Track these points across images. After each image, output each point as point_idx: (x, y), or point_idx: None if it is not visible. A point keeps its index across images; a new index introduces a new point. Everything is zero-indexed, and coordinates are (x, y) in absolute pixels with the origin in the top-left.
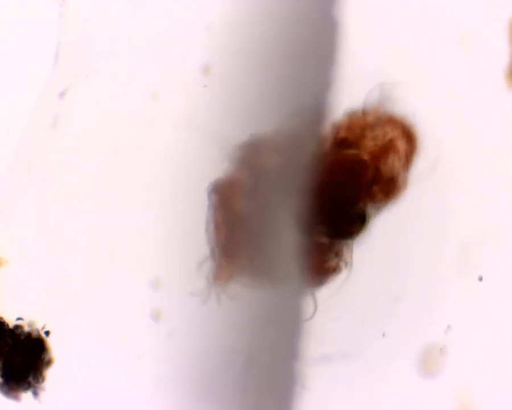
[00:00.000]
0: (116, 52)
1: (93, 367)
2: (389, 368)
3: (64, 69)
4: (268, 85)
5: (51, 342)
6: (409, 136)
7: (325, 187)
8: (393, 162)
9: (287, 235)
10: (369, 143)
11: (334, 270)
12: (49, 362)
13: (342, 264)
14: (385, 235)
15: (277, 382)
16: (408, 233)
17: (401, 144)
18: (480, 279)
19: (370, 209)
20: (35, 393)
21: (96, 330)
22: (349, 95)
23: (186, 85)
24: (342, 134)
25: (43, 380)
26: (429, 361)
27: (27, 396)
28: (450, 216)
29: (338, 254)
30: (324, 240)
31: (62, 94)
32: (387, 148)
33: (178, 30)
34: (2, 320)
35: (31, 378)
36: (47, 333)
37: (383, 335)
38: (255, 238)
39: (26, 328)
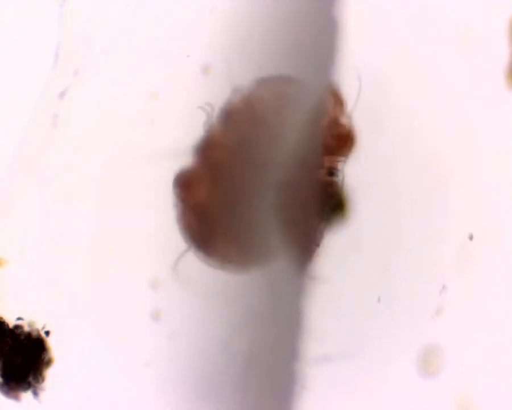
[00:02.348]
0: (116, 52)
1: (93, 366)
2: (389, 368)
3: (63, 69)
4: None
5: (51, 342)
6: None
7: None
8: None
9: (268, 212)
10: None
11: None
12: (49, 362)
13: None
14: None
15: (277, 382)
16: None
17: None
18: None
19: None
20: (35, 393)
21: (96, 330)
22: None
23: (186, 84)
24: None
25: (43, 380)
26: (429, 361)
27: (27, 396)
28: (450, 215)
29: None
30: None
31: (62, 94)
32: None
33: (178, 30)
34: (2, 320)
35: (31, 378)
36: (47, 333)
37: (379, 300)
38: (234, 220)
39: (26, 328)
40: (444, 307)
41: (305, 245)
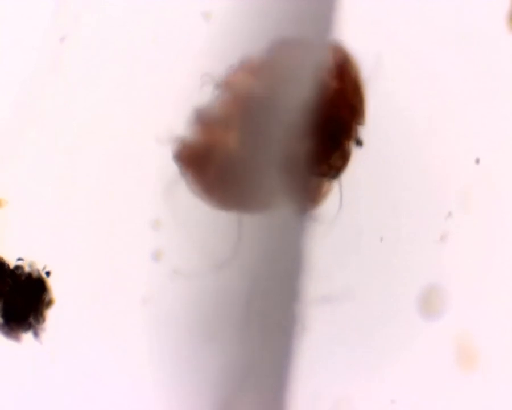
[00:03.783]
0: None
1: (94, 307)
2: (390, 307)
3: (64, 14)
4: None
5: (52, 282)
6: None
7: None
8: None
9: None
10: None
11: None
12: (49, 302)
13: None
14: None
15: (278, 323)
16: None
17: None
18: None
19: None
20: (36, 334)
21: (97, 270)
22: None
23: (186, 29)
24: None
25: (44, 320)
26: (430, 302)
27: (27, 336)
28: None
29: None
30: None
31: (62, 39)
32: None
33: None
34: (2, 261)
35: (31, 319)
36: (48, 273)
37: (381, 240)
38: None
39: (26, 269)
40: (448, 234)
41: (308, 191)
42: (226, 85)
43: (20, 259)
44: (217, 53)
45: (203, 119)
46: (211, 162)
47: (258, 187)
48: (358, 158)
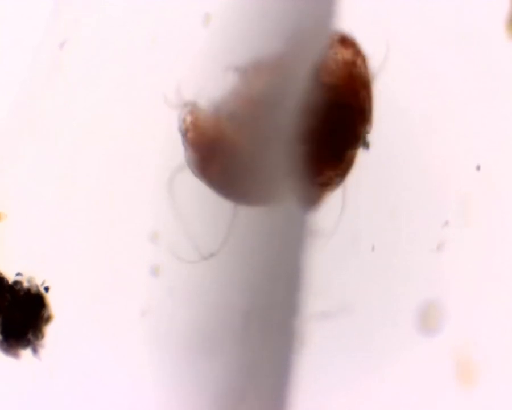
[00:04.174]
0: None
1: (93, 323)
2: (388, 322)
3: (63, 18)
4: None
5: (50, 298)
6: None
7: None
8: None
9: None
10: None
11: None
12: (48, 318)
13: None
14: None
15: (276, 338)
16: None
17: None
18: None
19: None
20: (34, 350)
21: (96, 286)
22: None
23: (184, 31)
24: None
25: (42, 336)
26: (428, 317)
27: (26, 353)
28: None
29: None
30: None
31: (62, 44)
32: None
33: None
34: (1, 276)
35: (30, 335)
36: (46, 289)
37: (372, 249)
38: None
39: (25, 284)
40: (445, 244)
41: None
42: (235, 85)
43: (18, 274)
44: (217, 54)
45: (213, 112)
46: (217, 152)
47: (261, 182)
48: (355, 165)
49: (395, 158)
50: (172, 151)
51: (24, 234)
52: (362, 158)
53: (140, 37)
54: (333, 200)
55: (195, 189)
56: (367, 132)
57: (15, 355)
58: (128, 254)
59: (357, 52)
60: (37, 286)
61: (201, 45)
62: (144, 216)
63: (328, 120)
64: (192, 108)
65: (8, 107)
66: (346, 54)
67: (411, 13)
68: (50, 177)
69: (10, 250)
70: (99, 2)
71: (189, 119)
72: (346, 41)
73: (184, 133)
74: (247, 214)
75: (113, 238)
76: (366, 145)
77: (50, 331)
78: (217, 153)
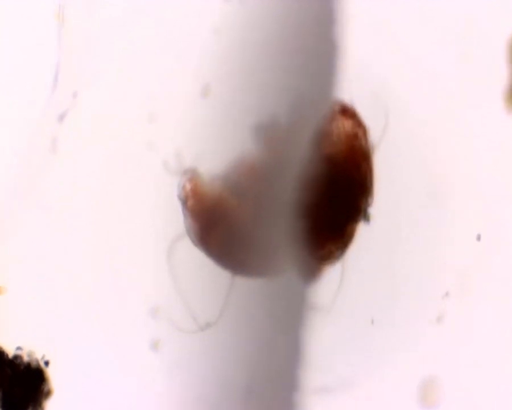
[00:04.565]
0: (115, 73)
1: (93, 398)
2: (388, 398)
3: (63, 91)
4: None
5: (50, 372)
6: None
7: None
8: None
9: (281, 227)
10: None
11: (330, 260)
12: (48, 393)
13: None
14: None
15: None
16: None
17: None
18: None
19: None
20: None
21: (96, 361)
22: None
23: (184, 105)
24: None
25: None
26: (428, 392)
27: None
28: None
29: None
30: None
31: (61, 117)
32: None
33: (178, 51)
34: (2, 350)
35: None
36: (46, 363)
37: (372, 323)
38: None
39: (25, 358)
40: (445, 316)
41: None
42: (235, 154)
43: (19, 348)
44: (217, 123)
45: (213, 180)
46: (217, 221)
47: (260, 253)
48: (355, 237)
49: (394, 229)
50: (172, 219)
51: (24, 308)
52: (361, 229)
53: (140, 105)
54: (332, 273)
55: (194, 258)
56: (369, 205)
57: None
58: (127, 328)
59: (358, 123)
60: (37, 360)
61: (201, 114)
62: (143, 289)
63: (329, 193)
64: (192, 175)
65: (7, 180)
66: (347, 125)
67: (409, 84)
68: (50, 251)
69: (10, 324)
70: (99, 75)
71: (188, 186)
72: (347, 112)
73: (184, 201)
74: (246, 285)
75: (112, 311)
76: (367, 218)
77: (50, 405)
78: (217, 222)
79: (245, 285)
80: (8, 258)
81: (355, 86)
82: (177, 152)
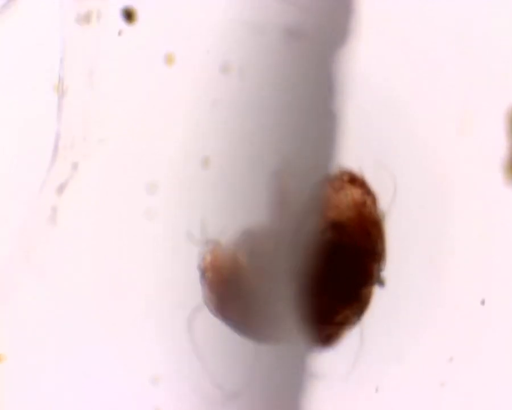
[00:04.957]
0: (115, 145)
1: None
2: None
3: (62, 162)
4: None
5: None
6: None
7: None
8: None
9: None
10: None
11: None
12: None
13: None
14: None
15: None
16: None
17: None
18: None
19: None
20: None
21: None
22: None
23: (184, 176)
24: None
25: None
26: None
27: None
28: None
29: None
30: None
31: (61, 188)
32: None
33: (177, 123)
34: None
35: None
36: None
37: (376, 391)
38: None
39: None
40: (448, 380)
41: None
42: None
43: None
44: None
45: (231, 251)
46: (234, 292)
47: (275, 320)
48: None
49: (400, 294)
50: (192, 289)
51: (24, 375)
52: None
53: (140, 176)
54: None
55: (214, 328)
56: (381, 270)
57: None
58: (128, 396)
59: (367, 191)
60: None
61: (201, 184)
62: (159, 358)
63: (339, 260)
64: (212, 247)
65: (7, 249)
66: (355, 194)
67: (413, 153)
68: (49, 320)
69: (10, 391)
70: (99, 146)
71: (208, 258)
72: (355, 181)
73: (203, 272)
74: (262, 352)
75: (117, 382)
76: (382, 282)
77: None
78: (234, 293)
79: (264, 352)
80: (6, 326)
81: (362, 153)
82: (201, 223)
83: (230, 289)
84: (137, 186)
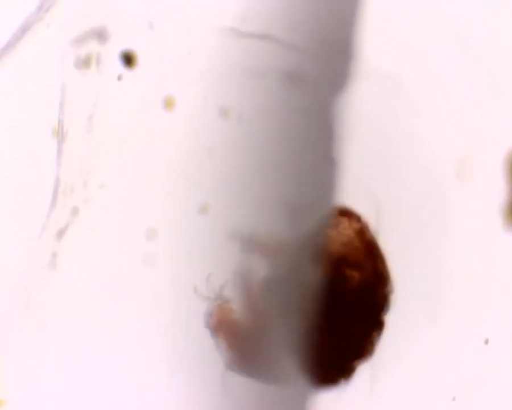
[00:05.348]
0: (115, 189)
1: None
2: None
3: (62, 207)
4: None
5: None
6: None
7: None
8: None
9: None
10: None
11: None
12: None
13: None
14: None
15: None
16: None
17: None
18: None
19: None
20: None
21: None
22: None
23: (184, 223)
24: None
25: None
26: None
27: None
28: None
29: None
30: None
31: (60, 233)
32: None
33: (176, 169)
34: None
35: None
36: None
37: None
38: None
39: None
40: None
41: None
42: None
43: None
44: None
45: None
46: (241, 344)
47: (279, 367)
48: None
49: (404, 336)
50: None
51: None
52: None
53: (139, 222)
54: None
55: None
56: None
57: None
58: None
59: (357, 219)
60: None
61: (199, 230)
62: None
63: (348, 304)
64: (220, 304)
65: (7, 294)
66: (351, 224)
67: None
68: (49, 365)
69: None
70: (98, 191)
71: (216, 318)
72: (346, 213)
73: (213, 332)
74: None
75: None
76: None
77: None
78: (241, 345)
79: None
80: (7, 373)
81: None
82: (208, 278)
83: (239, 342)
84: (136, 232)
